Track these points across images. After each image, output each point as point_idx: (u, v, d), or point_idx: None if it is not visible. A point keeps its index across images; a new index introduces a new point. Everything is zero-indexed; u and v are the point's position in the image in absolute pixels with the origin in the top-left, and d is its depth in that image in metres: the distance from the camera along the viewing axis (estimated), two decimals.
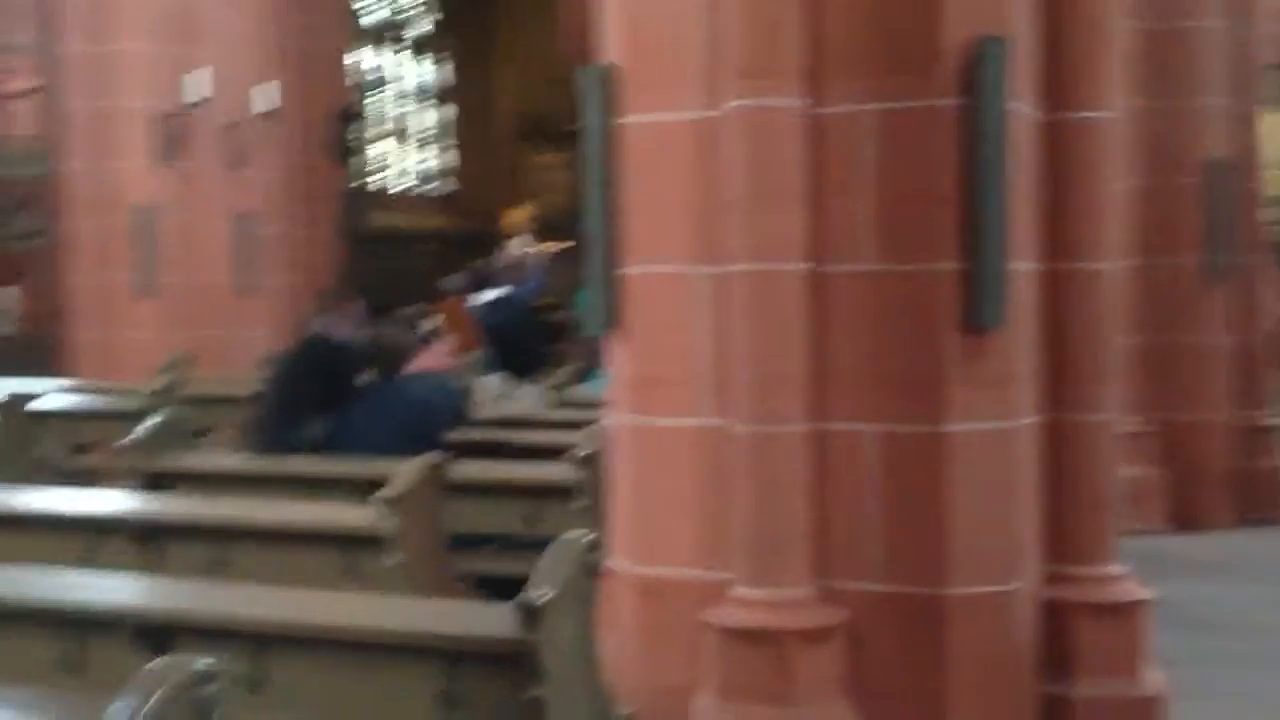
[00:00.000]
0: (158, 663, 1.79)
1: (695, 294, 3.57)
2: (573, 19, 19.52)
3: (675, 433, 3.62)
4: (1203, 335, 7.76)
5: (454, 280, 14.52)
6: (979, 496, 3.40)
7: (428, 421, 5.38)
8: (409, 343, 5.82)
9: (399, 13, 22.33)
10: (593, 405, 7.64)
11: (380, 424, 5.28)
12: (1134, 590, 3.64)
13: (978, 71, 3.26)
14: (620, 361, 3.76)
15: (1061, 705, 3.52)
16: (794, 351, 3.41)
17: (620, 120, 3.64)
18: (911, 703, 3.37)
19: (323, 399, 5.37)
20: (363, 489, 4.78)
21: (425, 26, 23.26)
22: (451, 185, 24.32)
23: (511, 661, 2.54)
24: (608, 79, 3.65)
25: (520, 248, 10.98)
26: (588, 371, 9.43)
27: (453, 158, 24.42)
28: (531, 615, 2.51)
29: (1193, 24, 7.46)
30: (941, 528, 3.38)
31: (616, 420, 3.79)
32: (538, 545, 4.99)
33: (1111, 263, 3.62)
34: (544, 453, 5.63)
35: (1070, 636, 3.56)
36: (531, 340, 9.79)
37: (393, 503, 3.99)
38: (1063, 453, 3.61)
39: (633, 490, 3.72)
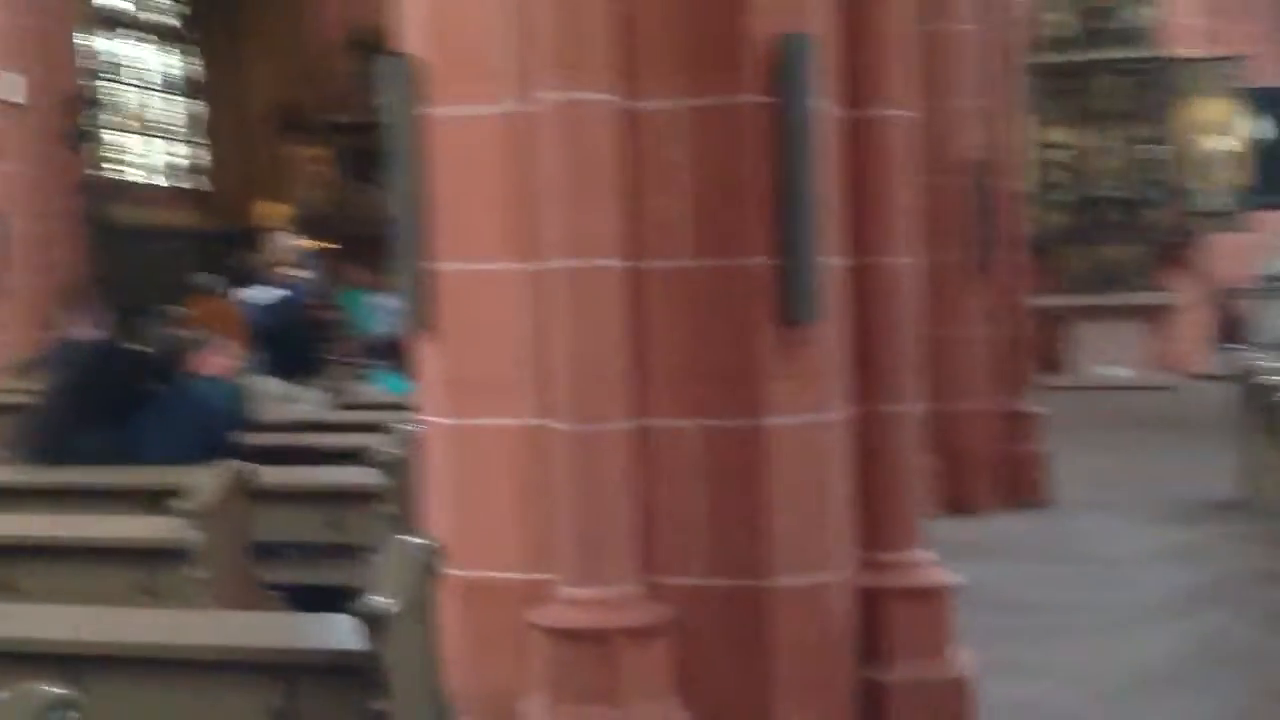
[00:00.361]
0: (8, 693, 1.65)
1: (512, 292, 3.52)
2: (328, 9, 19.13)
3: (495, 433, 3.57)
4: (967, 328, 8.10)
5: (210, 278, 14.00)
6: (798, 489, 3.46)
7: (214, 428, 5.17)
8: (187, 345, 5.58)
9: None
10: (380, 407, 7.53)
11: (165, 432, 5.05)
12: (941, 575, 3.76)
13: (784, 69, 3.31)
14: (433, 362, 3.68)
15: (878, 689, 3.62)
16: (614, 349, 3.40)
17: (425, 113, 3.56)
18: (738, 695, 3.40)
19: (107, 406, 5.10)
20: (148, 500, 4.56)
21: (169, 17, 22.37)
22: (203, 180, 23.46)
23: (354, 675, 2.45)
24: (410, 71, 3.57)
25: (285, 245, 10.67)
26: (370, 372, 9.23)
27: (204, 152, 23.55)
28: (376, 626, 2.43)
29: (948, 26, 7.75)
30: (763, 520, 3.42)
31: (431, 422, 3.71)
32: (341, 552, 4.90)
33: (910, 257, 3.73)
34: (336, 457, 5.48)
35: (884, 622, 3.65)
36: (307, 342, 9.54)
37: (196, 514, 3.81)
38: (870, 443, 3.70)
39: (452, 493, 3.65)
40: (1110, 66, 16.29)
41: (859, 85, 3.57)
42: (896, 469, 3.73)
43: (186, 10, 23.21)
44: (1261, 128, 16.74)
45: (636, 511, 3.42)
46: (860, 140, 3.59)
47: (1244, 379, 9.01)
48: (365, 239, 16.98)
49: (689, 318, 3.41)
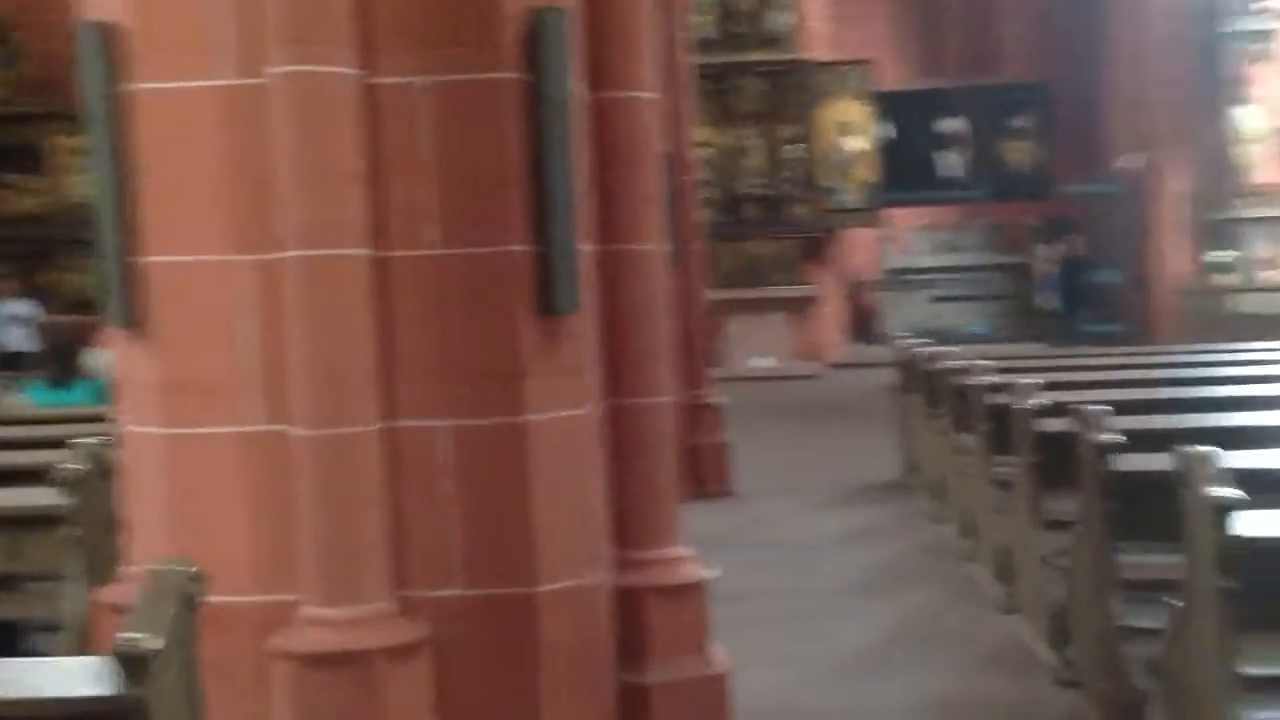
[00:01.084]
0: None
1: (237, 286, 3.19)
2: None
3: (219, 442, 3.22)
4: None
5: None
6: (560, 488, 3.28)
7: None
8: None
9: None
10: (34, 421, 6.86)
11: None
12: (696, 570, 3.67)
13: (539, 45, 3.13)
14: (141, 366, 3.29)
15: (639, 691, 3.48)
16: (358, 345, 3.12)
17: (128, 88, 3.18)
18: (503, 708, 3.19)
19: None
20: None
21: None
22: None
23: None
24: (107, 40, 3.18)
25: None
26: (11, 383, 8.43)
27: None
28: (137, 667, 2.10)
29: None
30: (525, 524, 3.22)
31: (138, 433, 3.32)
32: (20, 582, 4.38)
33: (657, 244, 3.62)
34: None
35: (642, 622, 3.52)
36: None
37: None
38: (624, 437, 3.57)
39: (168, 511, 3.27)
40: (749, 69, 16.86)
41: (603, 66, 3.42)
42: (651, 464, 3.61)
43: None
44: (886, 129, 17.72)
45: (388, 521, 3.16)
46: (606, 123, 3.44)
47: (902, 363, 9.43)
48: None
49: (440, 310, 3.18)
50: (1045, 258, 19.69)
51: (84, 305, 17.65)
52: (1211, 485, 3.00)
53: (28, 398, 7.56)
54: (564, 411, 3.29)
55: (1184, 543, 3.17)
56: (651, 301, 3.59)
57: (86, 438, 4.34)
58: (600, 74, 3.48)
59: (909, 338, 10.37)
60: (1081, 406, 4.18)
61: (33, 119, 16.83)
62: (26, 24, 16.89)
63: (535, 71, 3.12)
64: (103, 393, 7.31)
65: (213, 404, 3.21)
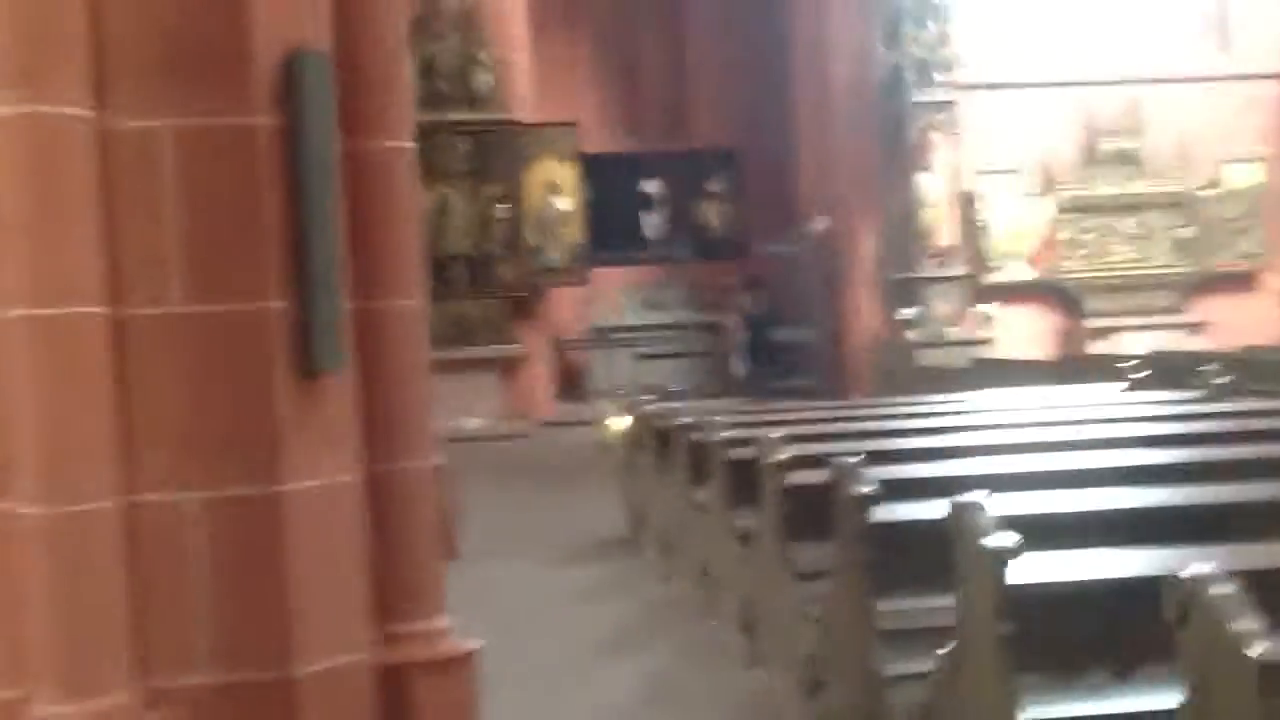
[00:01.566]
0: None
1: None
2: None
3: None
4: None
5: None
6: (318, 562, 3.05)
7: None
8: None
9: None
10: None
11: None
12: (463, 642, 3.48)
13: (298, 89, 2.94)
14: None
15: None
16: (94, 412, 2.84)
17: None
18: None
19: None
20: None
21: None
22: None
23: None
24: None
25: None
26: None
27: None
28: None
29: None
30: (281, 601, 2.98)
31: None
32: None
33: (418, 300, 3.44)
34: None
35: (409, 699, 3.31)
36: None
37: None
38: (384, 504, 3.36)
39: None
40: (454, 128, 16.75)
41: (356, 112, 3.23)
42: (413, 532, 3.40)
43: None
44: (590, 190, 17.93)
45: (128, 604, 2.86)
46: (362, 173, 3.25)
47: (641, 420, 9.45)
48: None
49: (187, 373, 2.92)
50: (733, 316, 20.32)
51: None
52: (987, 532, 3.05)
53: None
54: (323, 480, 3.07)
55: (957, 589, 3.21)
56: (412, 360, 3.40)
57: None
58: (354, 121, 3.30)
59: (628, 394, 10.44)
60: (836, 458, 4.22)
61: None
62: None
63: (294, 117, 2.93)
64: None
65: None
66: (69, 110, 2.79)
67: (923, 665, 3.61)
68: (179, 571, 2.93)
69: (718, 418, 7.16)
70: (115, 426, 2.86)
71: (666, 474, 8.20)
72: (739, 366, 19.88)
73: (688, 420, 7.75)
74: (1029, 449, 5.66)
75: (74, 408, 2.82)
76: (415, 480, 3.43)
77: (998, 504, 3.17)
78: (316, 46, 3.00)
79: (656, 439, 8.57)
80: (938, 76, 16.42)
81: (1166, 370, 10.12)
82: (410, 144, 3.38)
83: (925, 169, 16.66)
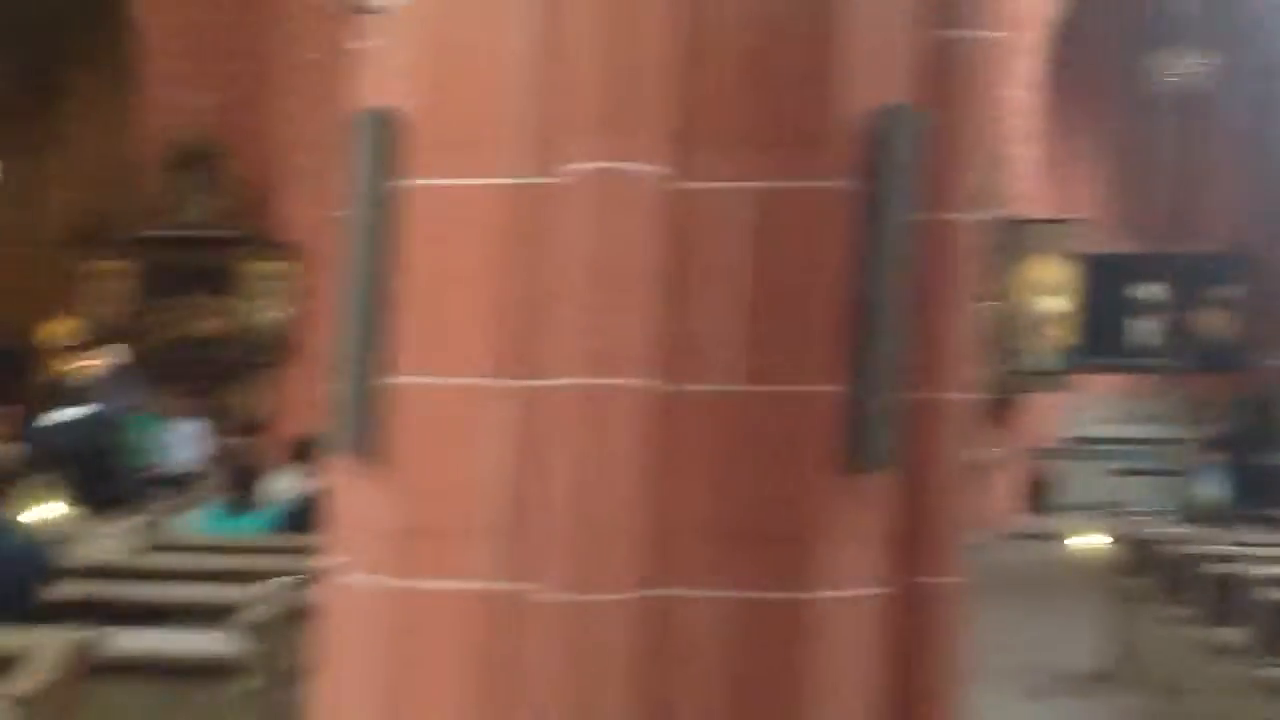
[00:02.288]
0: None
1: (490, 415, 2.73)
2: (147, 119, 17.99)
3: (447, 600, 2.73)
4: None
5: None
6: (843, 682, 2.72)
7: (19, 577, 4.14)
8: None
9: None
10: (208, 548, 6.51)
11: None
12: None
13: (882, 150, 2.65)
14: (370, 502, 2.84)
15: None
16: (627, 495, 2.62)
17: (401, 184, 2.79)
18: None
19: None
20: None
21: None
22: None
23: None
24: (386, 128, 2.79)
25: (94, 360, 9.39)
26: (184, 507, 8.15)
27: None
28: None
29: None
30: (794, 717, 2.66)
31: (350, 580, 2.85)
32: None
33: (968, 394, 3.06)
34: (156, 614, 4.50)
35: None
36: (113, 468, 8.40)
37: (28, 702, 2.82)
38: (912, 623, 2.97)
39: (374, 677, 2.78)
40: None
41: (933, 180, 2.90)
42: (933, 657, 3.00)
43: None
44: (1091, 290, 17.00)
45: (641, 708, 2.62)
46: (928, 247, 2.92)
47: (1138, 543, 8.65)
48: (166, 359, 15.74)
49: (726, 458, 2.67)
50: (1212, 432, 18.55)
51: (253, 428, 17.70)
52: None
53: (199, 523, 7.22)
54: (855, 590, 2.74)
55: None
56: (955, 463, 3.02)
57: (269, 575, 3.91)
58: (927, 190, 2.97)
59: (1101, 510, 9.60)
60: None
61: (227, 244, 17.09)
62: (230, 151, 17.25)
63: (873, 180, 2.64)
64: (280, 520, 6.97)
65: (444, 553, 2.73)
66: (647, 168, 2.61)
67: None
68: (694, 676, 2.66)
69: (1253, 549, 6.33)
70: (647, 512, 2.64)
71: (1168, 607, 7.39)
72: (1214, 489, 18.14)
73: (1205, 549, 6.93)
74: None
75: (607, 488, 2.62)
76: (944, 598, 3.03)
77: None
78: (909, 99, 2.70)
79: (1155, 565, 7.75)
80: None
81: None
82: (976, 219, 3.02)
83: None
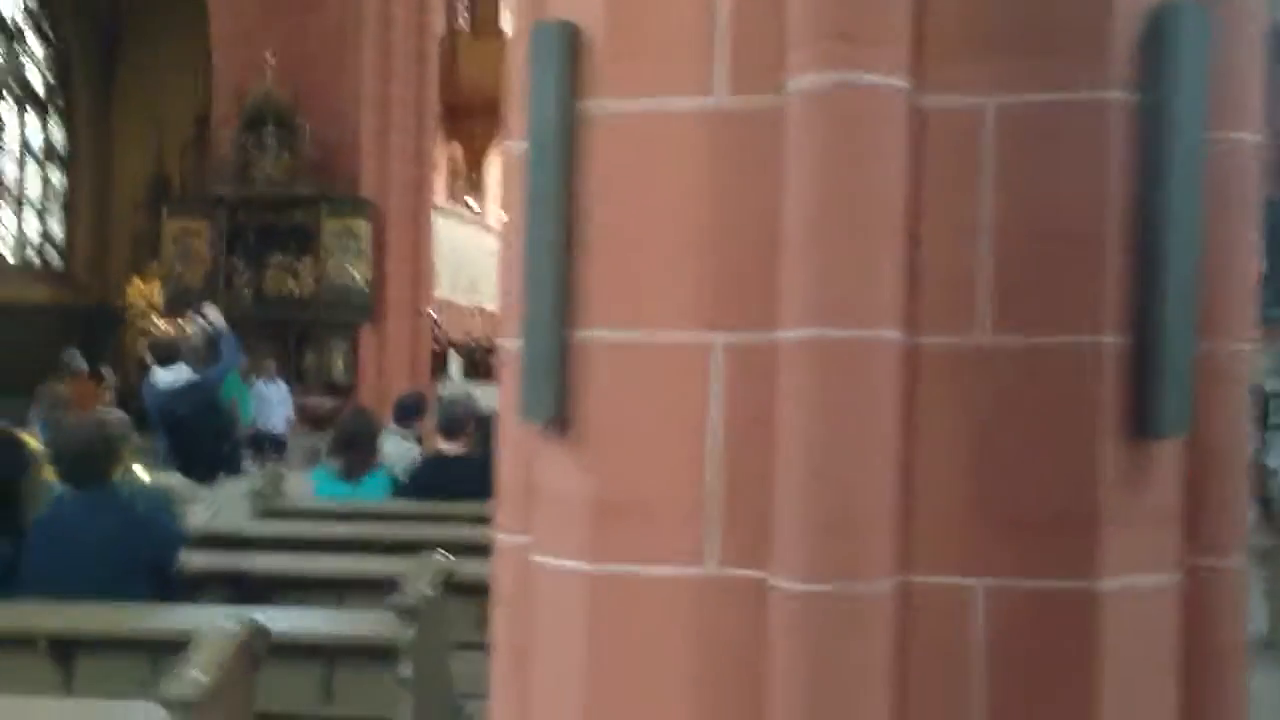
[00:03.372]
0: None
1: (707, 375, 2.33)
2: (218, 78, 17.74)
3: (662, 588, 2.35)
4: None
5: (76, 357, 12.47)
6: (1134, 686, 2.31)
7: (156, 549, 3.83)
8: (112, 439, 4.19)
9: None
10: (318, 516, 6.21)
11: (81, 553, 3.69)
12: None
13: (1164, 55, 2.22)
14: (563, 474, 2.46)
15: None
16: (875, 468, 2.22)
17: (588, 108, 2.39)
18: None
19: None
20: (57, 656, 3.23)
21: (35, 82, 20.84)
22: (58, 256, 21.77)
23: None
24: (568, 45, 2.39)
25: (208, 320, 9.14)
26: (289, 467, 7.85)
27: (61, 225, 21.89)
28: None
29: None
30: None
31: (547, 564, 2.48)
32: None
33: (1250, 343, 2.62)
34: (275, 585, 4.18)
35: None
36: (217, 433, 8.13)
37: (189, 705, 2.48)
38: (1195, 610, 2.56)
39: (583, 676, 2.41)
40: None
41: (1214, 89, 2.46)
42: (1219, 650, 2.59)
43: (52, 76, 21.68)
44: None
45: (897, 711, 2.23)
46: (1211, 171, 2.48)
47: None
48: (245, 320, 15.54)
49: (989, 422, 2.26)
50: None
51: (335, 388, 17.45)
52: None
53: (314, 488, 6.91)
54: (1146, 577, 2.32)
55: None
56: (1239, 424, 2.59)
57: (405, 545, 3.56)
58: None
59: None
60: None
61: (307, 202, 16.87)
62: (308, 109, 16.98)
63: (1153, 92, 2.21)
64: (395, 485, 6.65)
65: (655, 535, 2.35)
66: (887, 81, 2.19)
67: None
68: (954, 674, 2.27)
69: None
70: (896, 486, 2.24)
71: None
72: None
73: None
74: None
75: (850, 460, 2.22)
76: (1229, 584, 2.61)
77: None
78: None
79: None
80: None
81: None
82: (1258, 137, 2.58)
83: None
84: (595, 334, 2.39)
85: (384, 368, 17.24)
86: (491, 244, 25.32)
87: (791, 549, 2.22)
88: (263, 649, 2.84)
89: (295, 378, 16.38)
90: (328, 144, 17.18)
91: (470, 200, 24.42)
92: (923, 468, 2.26)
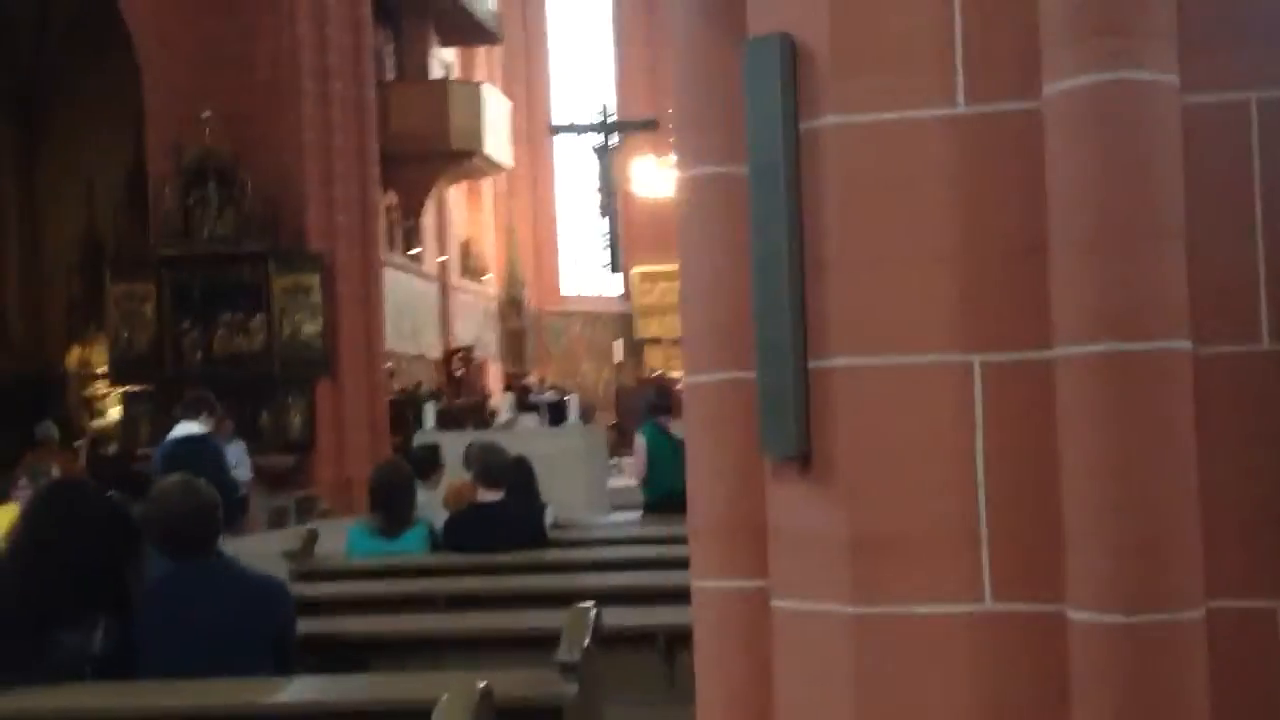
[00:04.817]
0: None
1: (962, 398, 2.19)
2: (153, 136, 17.36)
3: (936, 627, 2.20)
4: None
5: (50, 428, 12.14)
6: None
7: (276, 620, 3.61)
8: (208, 507, 3.94)
9: None
10: (353, 575, 5.98)
11: (198, 630, 3.46)
12: None
13: None
14: (808, 510, 2.30)
15: None
16: (1178, 488, 2.10)
17: (816, 124, 2.25)
18: None
19: (93, 593, 3.48)
20: None
21: None
22: None
23: None
24: (791, 59, 2.25)
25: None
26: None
27: None
28: None
29: None
30: None
31: (798, 609, 2.32)
32: None
33: None
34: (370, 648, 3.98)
35: None
36: (223, 490, 7.87)
37: None
38: None
39: None
40: None
41: None
42: None
43: None
44: None
45: None
46: None
47: None
48: (195, 382, 15.15)
49: (1269, 435, 2.15)
50: None
51: (292, 445, 17.06)
52: None
53: (351, 545, 6.65)
54: None
55: None
56: None
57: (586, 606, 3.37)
58: None
59: None
60: None
61: (254, 258, 16.54)
62: (249, 164, 16.69)
63: None
64: (432, 538, 6.44)
65: (928, 571, 2.20)
66: (1157, 77, 2.08)
67: None
68: (1266, 711, 2.14)
69: None
70: (1195, 505, 2.12)
71: None
72: None
73: None
74: None
75: (1145, 483, 2.09)
76: None
77: None
78: None
79: None
80: None
81: None
82: None
83: None
84: (838, 361, 2.24)
85: (342, 421, 16.92)
86: (431, 291, 25.07)
87: (1092, 579, 2.08)
88: (489, 715, 2.65)
89: (253, 436, 16.01)
90: (271, 198, 16.88)
91: (409, 248, 24.17)
92: (1218, 484, 2.13)
